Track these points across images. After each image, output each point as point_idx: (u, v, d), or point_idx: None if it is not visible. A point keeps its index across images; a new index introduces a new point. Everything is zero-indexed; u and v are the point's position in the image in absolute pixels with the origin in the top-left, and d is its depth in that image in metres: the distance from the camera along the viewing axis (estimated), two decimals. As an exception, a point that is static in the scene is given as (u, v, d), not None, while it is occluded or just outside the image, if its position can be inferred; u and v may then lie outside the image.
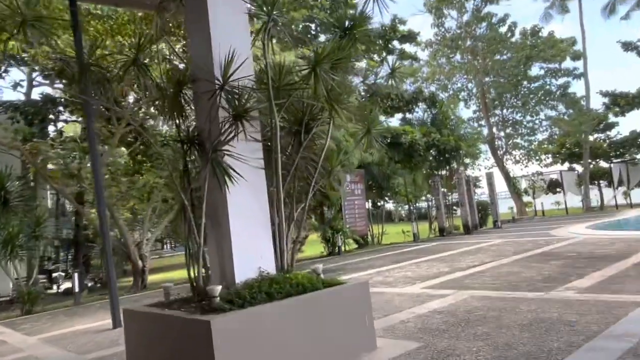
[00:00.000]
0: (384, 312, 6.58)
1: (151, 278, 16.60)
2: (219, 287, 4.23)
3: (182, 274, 18.36)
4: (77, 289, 11.55)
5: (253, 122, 4.94)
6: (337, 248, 17.84)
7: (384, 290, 8.55)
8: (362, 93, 24.02)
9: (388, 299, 7.64)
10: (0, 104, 16.27)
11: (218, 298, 4.20)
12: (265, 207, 5.09)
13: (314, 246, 19.71)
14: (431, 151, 22.19)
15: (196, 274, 4.70)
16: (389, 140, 21.08)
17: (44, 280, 20.90)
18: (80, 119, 15.96)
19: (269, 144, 5.19)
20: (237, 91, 4.57)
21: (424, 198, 27.79)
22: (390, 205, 51.84)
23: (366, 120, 6.08)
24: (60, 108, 16.90)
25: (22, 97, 18.70)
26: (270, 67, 4.83)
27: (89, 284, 17.13)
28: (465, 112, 41.70)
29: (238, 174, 4.65)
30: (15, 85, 18.77)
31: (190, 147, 4.85)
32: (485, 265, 10.28)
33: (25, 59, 15.16)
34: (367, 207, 20.98)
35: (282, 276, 4.80)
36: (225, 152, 4.60)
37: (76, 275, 11.60)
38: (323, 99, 5.22)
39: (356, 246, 20.60)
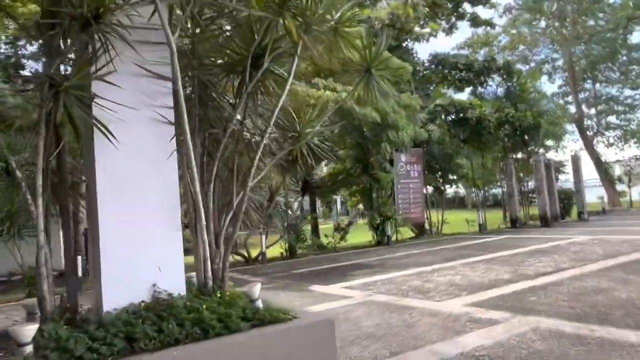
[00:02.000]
0: (393, 348, 4.44)
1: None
2: (29, 328, 2.36)
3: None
4: (80, 274, 10.37)
5: (149, 46, 2.99)
6: (386, 237, 15.61)
7: (414, 303, 6.36)
8: (426, 63, 21.34)
9: (413, 320, 5.46)
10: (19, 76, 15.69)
11: (30, 346, 2.34)
12: (173, 186, 3.14)
13: (363, 233, 17.58)
14: (504, 129, 19.04)
15: (42, 292, 2.87)
16: (452, 116, 18.35)
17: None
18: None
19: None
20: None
21: (498, 183, 24.66)
22: (462, 191, 48.52)
23: (367, 56, 3.88)
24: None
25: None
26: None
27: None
28: (549, 87, 36.99)
29: (107, 128, 2.74)
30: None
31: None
32: (561, 273, 7.70)
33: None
34: (425, 191, 18.44)
35: (186, 302, 2.85)
36: (80, 92, 2.68)
37: (79, 258, 10.42)
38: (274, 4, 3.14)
39: (413, 235, 18.22)
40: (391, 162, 16.75)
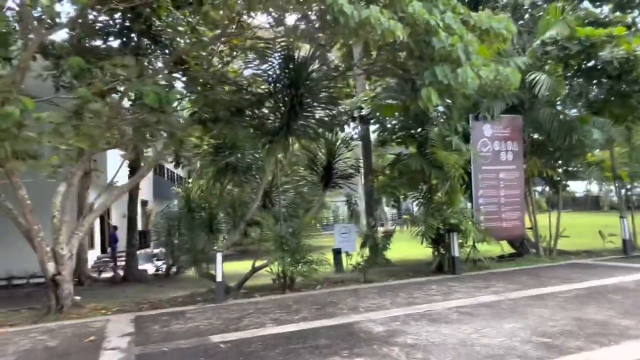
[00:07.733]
0: None
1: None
2: None
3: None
4: None
5: None
6: (450, 260, 9.34)
7: None
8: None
9: None
10: None
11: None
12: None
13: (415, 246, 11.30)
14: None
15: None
16: (575, 62, 11.28)
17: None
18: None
19: None
20: None
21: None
22: (594, 188, 38.59)
23: None
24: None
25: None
26: None
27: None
28: None
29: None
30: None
31: None
32: None
33: None
34: (527, 186, 11.62)
35: None
36: None
37: None
38: None
39: (506, 254, 11.61)
40: (467, 137, 10.40)
